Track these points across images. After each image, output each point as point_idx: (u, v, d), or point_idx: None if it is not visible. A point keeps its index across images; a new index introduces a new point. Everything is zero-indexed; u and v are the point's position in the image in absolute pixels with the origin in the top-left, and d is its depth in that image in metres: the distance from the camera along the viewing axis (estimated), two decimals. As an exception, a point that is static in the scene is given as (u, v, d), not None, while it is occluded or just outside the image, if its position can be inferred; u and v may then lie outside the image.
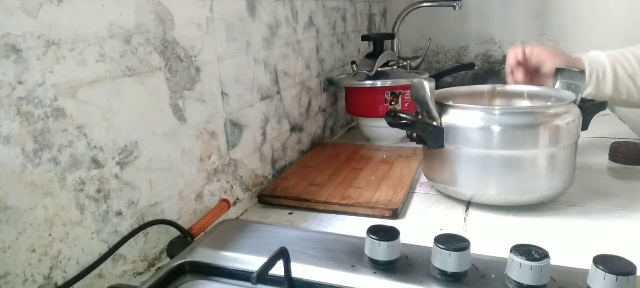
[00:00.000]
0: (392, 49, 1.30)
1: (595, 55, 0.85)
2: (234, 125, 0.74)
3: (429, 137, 0.69)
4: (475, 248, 0.44)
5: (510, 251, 0.42)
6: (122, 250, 0.53)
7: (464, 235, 0.45)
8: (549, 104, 0.75)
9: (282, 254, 0.42)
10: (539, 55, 0.84)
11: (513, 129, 0.65)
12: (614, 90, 0.83)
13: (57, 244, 0.46)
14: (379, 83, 1.01)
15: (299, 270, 0.45)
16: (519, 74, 0.85)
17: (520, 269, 0.40)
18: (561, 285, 0.41)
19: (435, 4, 1.33)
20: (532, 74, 0.86)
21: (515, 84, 0.86)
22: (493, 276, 0.43)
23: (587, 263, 0.41)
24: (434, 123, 0.69)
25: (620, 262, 0.40)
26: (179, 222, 0.61)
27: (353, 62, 1.10)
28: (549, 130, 0.65)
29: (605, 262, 0.39)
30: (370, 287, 0.44)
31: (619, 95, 0.84)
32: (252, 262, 0.47)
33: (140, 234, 0.55)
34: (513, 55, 0.86)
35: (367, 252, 0.46)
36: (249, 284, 0.42)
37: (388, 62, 1.08)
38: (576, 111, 0.68)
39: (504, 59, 1.58)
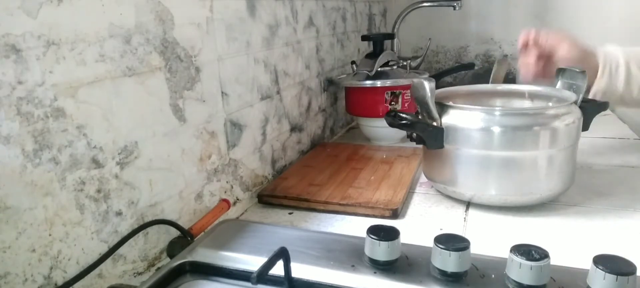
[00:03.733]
0: (392, 49, 1.30)
1: (610, 49, 0.84)
2: (234, 125, 0.74)
3: (428, 137, 0.69)
4: (475, 248, 0.44)
5: (510, 251, 0.42)
6: (122, 250, 0.53)
7: (464, 235, 0.45)
8: (550, 104, 0.75)
9: (282, 254, 0.42)
10: (554, 41, 0.82)
11: (513, 130, 0.64)
12: (626, 85, 0.81)
13: (57, 244, 0.46)
14: (379, 83, 1.01)
15: (299, 270, 0.45)
16: (531, 56, 0.84)
17: (520, 269, 0.40)
18: (561, 285, 0.41)
19: (435, 4, 1.33)
20: (545, 59, 0.84)
21: (525, 66, 0.84)
22: (493, 276, 0.43)
23: (587, 263, 0.41)
24: (434, 123, 0.68)
25: (620, 262, 0.40)
26: (179, 222, 0.61)
27: (353, 62, 1.10)
28: (549, 131, 0.64)
29: (605, 262, 0.39)
30: (370, 287, 0.44)
31: (630, 93, 0.82)
32: (252, 262, 0.47)
33: (140, 234, 0.55)
34: (525, 35, 0.84)
35: (367, 252, 0.46)
36: (249, 284, 0.42)
37: (388, 62, 1.08)
38: (577, 112, 0.68)
39: (504, 59, 1.58)
